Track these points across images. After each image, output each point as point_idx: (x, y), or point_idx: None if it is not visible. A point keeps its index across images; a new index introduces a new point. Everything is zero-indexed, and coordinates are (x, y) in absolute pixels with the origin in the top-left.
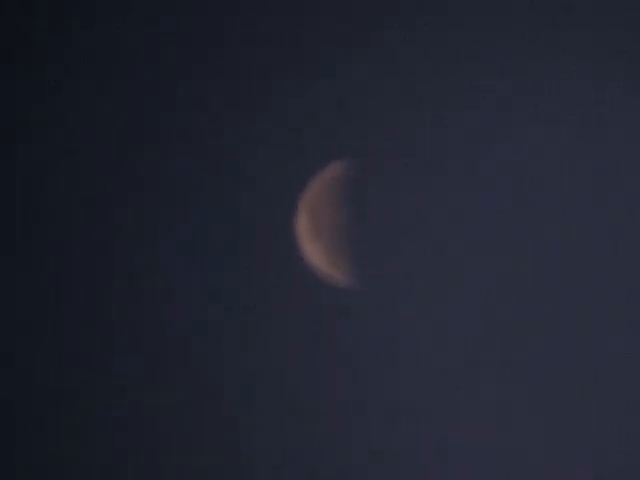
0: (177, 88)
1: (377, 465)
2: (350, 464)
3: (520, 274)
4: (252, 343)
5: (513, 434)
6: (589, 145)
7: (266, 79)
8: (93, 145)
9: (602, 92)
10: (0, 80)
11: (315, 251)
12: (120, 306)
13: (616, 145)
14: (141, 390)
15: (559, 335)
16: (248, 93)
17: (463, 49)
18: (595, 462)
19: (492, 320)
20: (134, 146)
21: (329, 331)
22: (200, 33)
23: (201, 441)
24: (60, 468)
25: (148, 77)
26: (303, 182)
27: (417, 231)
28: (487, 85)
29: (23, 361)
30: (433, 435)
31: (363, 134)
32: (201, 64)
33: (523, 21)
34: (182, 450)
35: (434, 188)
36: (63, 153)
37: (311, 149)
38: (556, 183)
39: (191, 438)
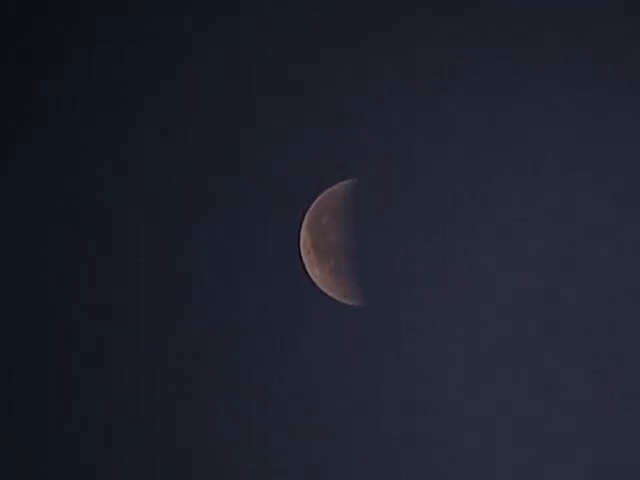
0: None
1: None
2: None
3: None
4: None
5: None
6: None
7: (279, 95)
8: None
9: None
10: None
11: (321, 273)
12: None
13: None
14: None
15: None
16: (257, 112)
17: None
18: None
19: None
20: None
21: (338, 351)
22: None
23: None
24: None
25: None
26: (307, 203)
27: (421, 247)
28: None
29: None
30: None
31: (365, 153)
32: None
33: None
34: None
35: (437, 204)
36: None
37: (313, 170)
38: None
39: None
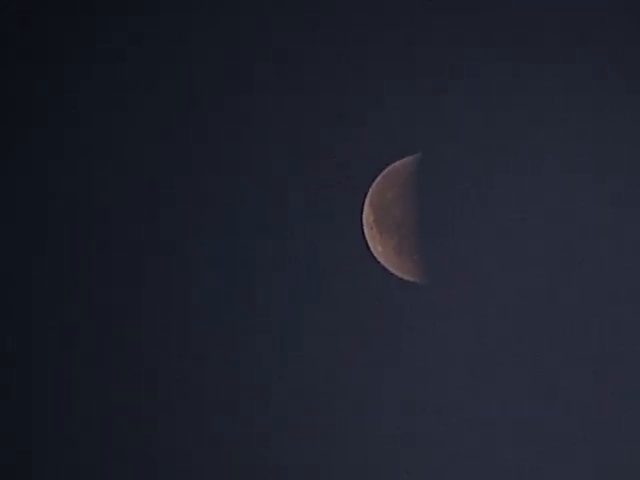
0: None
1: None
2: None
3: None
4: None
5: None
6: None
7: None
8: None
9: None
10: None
11: (384, 249)
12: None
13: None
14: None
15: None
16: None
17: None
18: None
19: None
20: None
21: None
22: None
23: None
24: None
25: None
26: (369, 181)
27: (481, 227)
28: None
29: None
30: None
31: (426, 132)
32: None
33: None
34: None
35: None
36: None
37: (376, 148)
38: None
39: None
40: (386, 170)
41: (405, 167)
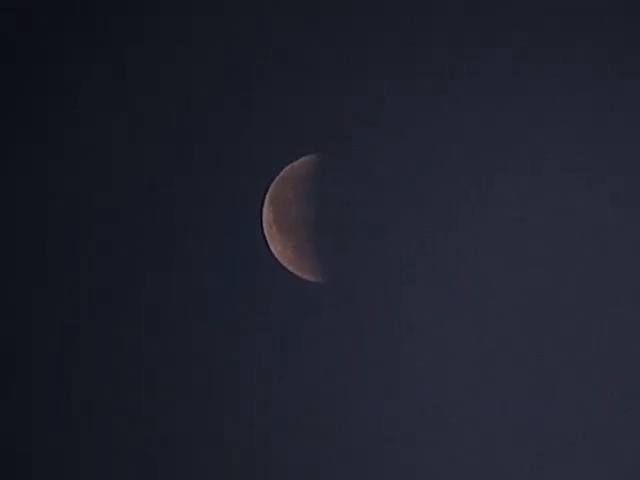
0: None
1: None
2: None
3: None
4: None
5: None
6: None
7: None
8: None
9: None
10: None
11: (282, 248)
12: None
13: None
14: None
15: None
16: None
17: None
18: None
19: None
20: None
21: (299, 326)
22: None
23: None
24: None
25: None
26: (269, 180)
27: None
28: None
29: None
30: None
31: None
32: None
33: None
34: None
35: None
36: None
37: (276, 147)
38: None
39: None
40: (285, 169)
41: (304, 166)
